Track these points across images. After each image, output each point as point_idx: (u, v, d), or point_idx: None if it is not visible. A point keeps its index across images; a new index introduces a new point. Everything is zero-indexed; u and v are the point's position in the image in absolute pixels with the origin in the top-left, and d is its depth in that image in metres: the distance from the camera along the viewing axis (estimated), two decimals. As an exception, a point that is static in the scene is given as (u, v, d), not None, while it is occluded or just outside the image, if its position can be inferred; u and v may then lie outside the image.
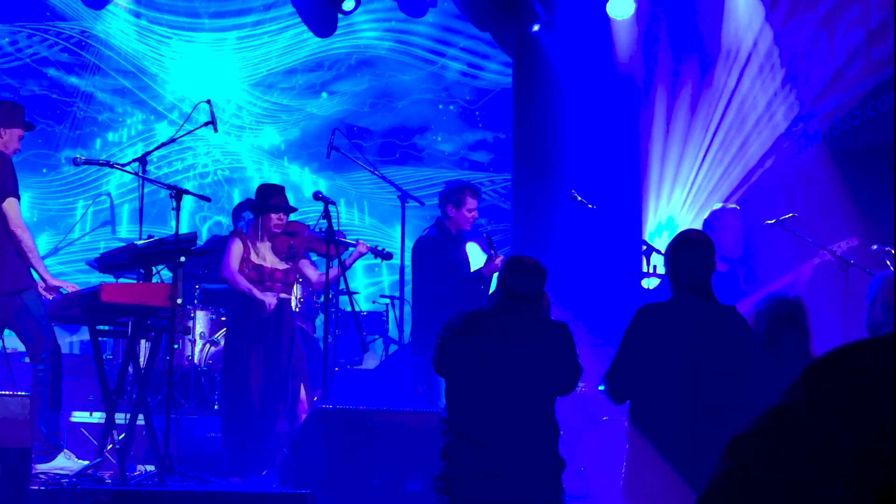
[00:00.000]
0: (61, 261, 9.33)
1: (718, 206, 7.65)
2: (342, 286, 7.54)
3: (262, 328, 6.97)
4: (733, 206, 7.65)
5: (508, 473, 4.33)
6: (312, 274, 7.47)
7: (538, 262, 4.71)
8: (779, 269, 7.32)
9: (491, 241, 7.67)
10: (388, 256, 7.68)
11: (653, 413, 4.39)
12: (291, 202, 7.30)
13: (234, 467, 6.84)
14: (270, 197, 7.13)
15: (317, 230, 7.30)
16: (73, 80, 10.23)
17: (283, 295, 7.07)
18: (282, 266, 7.13)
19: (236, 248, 7.12)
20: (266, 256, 7.14)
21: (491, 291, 7.72)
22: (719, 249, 7.11)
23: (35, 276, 6.26)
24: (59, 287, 6.32)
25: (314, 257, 7.97)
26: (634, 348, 4.43)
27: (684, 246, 4.57)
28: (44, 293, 6.32)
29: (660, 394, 4.38)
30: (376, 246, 7.59)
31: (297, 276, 7.35)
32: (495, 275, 7.68)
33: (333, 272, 7.26)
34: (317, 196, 7.12)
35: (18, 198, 6.24)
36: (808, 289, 7.11)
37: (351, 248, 7.38)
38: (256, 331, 6.97)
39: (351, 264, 7.42)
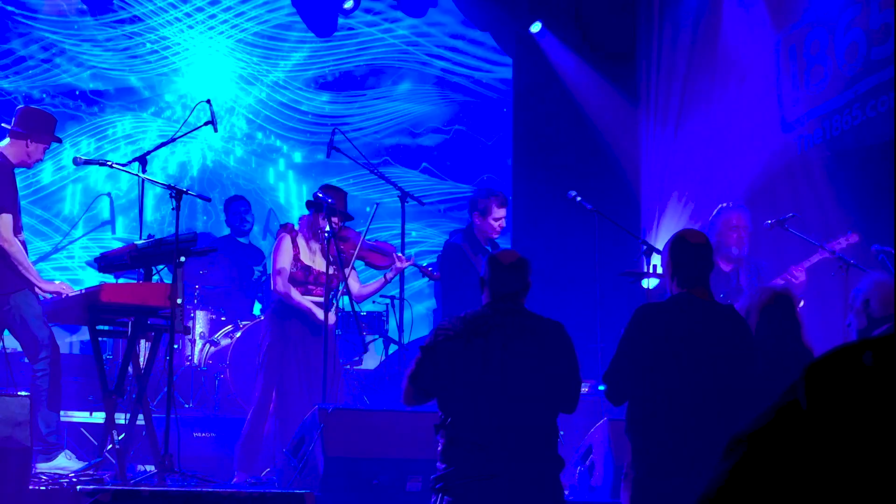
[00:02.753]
0: (57, 266, 9.33)
1: (723, 204, 7.63)
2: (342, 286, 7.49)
3: (301, 333, 6.91)
4: (733, 204, 7.63)
5: (509, 473, 4.32)
6: (355, 285, 7.18)
7: (519, 255, 4.68)
8: (778, 270, 7.31)
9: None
10: (435, 277, 7.49)
11: (652, 412, 4.39)
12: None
13: (249, 466, 6.84)
14: (330, 198, 6.95)
15: (370, 240, 7.22)
16: (75, 78, 10.23)
17: (321, 299, 6.93)
18: (329, 270, 6.91)
19: (286, 246, 6.93)
20: (314, 257, 6.98)
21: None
22: (723, 248, 7.14)
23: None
24: (56, 291, 6.30)
25: (360, 266, 7.80)
26: (633, 348, 4.43)
27: (682, 245, 4.58)
28: (45, 296, 6.31)
29: (659, 393, 4.38)
30: (425, 265, 7.43)
31: (341, 283, 6.99)
32: None
33: (374, 286, 7.20)
34: (316, 195, 7.09)
35: (11, 212, 6.22)
36: (807, 288, 7.11)
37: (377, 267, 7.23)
38: (296, 337, 6.90)
39: (391, 278, 7.23)
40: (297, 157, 10.98)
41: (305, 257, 6.96)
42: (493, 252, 4.79)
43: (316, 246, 6.99)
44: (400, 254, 7.26)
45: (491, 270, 4.60)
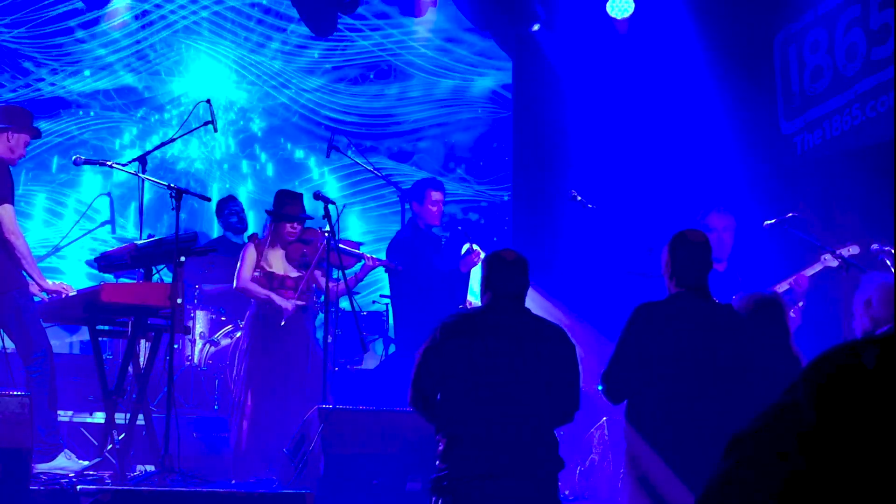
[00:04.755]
0: (50, 265, 9.33)
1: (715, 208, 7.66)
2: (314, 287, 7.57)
3: (278, 334, 6.98)
4: (717, 207, 7.67)
5: (510, 473, 4.30)
6: (322, 284, 7.34)
7: (519, 254, 4.65)
8: (777, 270, 7.32)
9: (467, 233, 7.99)
10: (399, 269, 7.74)
11: (651, 412, 4.39)
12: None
13: (241, 469, 6.83)
14: (285, 204, 7.12)
15: (337, 240, 7.33)
16: (78, 80, 10.23)
17: (298, 302, 7.07)
18: (293, 273, 7.13)
19: (250, 256, 7.14)
20: (276, 263, 7.13)
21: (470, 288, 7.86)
22: (718, 249, 7.16)
23: (27, 276, 6.23)
24: (57, 290, 6.29)
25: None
26: (632, 347, 4.42)
27: (681, 245, 4.57)
28: (43, 296, 6.30)
29: (657, 393, 4.38)
30: (386, 260, 7.64)
31: (311, 284, 7.28)
32: (473, 269, 7.80)
33: (343, 285, 7.32)
34: (317, 196, 7.10)
35: (13, 204, 6.21)
36: (808, 289, 7.11)
37: (360, 262, 7.45)
38: (274, 337, 6.97)
39: (362, 278, 7.53)
40: (297, 152, 10.99)
41: (268, 264, 7.10)
42: (494, 252, 4.74)
43: (276, 252, 7.13)
44: (369, 255, 7.54)
45: (494, 269, 4.55)
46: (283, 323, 6.99)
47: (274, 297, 7.02)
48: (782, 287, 7.05)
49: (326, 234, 6.84)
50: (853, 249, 6.98)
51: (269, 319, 7.06)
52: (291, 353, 6.98)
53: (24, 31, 10.01)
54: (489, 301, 4.53)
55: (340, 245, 7.25)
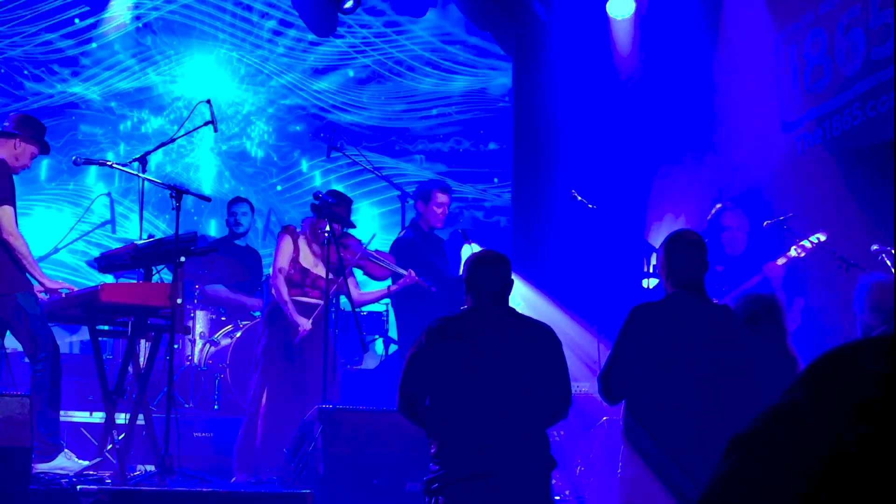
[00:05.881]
0: (53, 264, 9.33)
1: (718, 206, 7.66)
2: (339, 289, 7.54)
3: (298, 337, 6.94)
4: (725, 205, 7.67)
5: (501, 474, 4.30)
6: (354, 291, 7.25)
7: (499, 253, 4.66)
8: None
9: (466, 235, 7.96)
10: (432, 290, 7.67)
11: (648, 413, 4.39)
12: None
13: (243, 465, 6.83)
14: (336, 205, 7.01)
15: (372, 251, 7.35)
16: (75, 82, 10.24)
17: (319, 301, 7.00)
18: (327, 275, 7.02)
19: (286, 246, 7.00)
20: (312, 261, 7.03)
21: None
22: (720, 249, 7.16)
23: (30, 278, 6.24)
24: (58, 289, 6.30)
25: (358, 274, 7.91)
26: (629, 347, 4.42)
27: (678, 245, 4.58)
28: (42, 297, 6.30)
29: (655, 393, 4.38)
30: (423, 279, 7.59)
31: (341, 289, 7.10)
32: None
33: (374, 294, 7.43)
34: (317, 196, 7.08)
35: (14, 206, 6.21)
36: (807, 288, 7.12)
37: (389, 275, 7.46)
38: (292, 337, 6.93)
39: (395, 291, 7.51)
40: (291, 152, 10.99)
41: (305, 260, 7.00)
42: (475, 253, 4.76)
43: (317, 249, 7.01)
44: (409, 270, 7.48)
45: (476, 269, 4.57)
46: (296, 340, 6.93)
47: (294, 316, 6.87)
48: (757, 279, 7.08)
49: (327, 234, 6.81)
50: (821, 237, 7.02)
51: (288, 319, 6.99)
52: (311, 357, 6.91)
53: (28, 37, 10.02)
54: (473, 301, 4.54)
55: (376, 256, 7.35)
